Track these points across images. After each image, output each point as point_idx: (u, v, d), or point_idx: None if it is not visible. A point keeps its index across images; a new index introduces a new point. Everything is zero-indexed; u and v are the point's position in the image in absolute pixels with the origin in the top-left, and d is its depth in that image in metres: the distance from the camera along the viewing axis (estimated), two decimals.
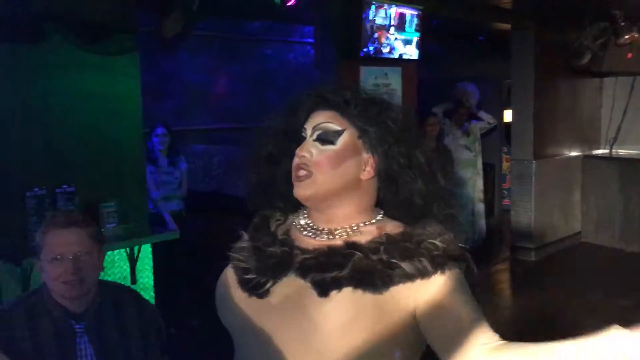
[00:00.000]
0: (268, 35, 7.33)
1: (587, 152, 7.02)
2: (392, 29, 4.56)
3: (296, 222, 1.28)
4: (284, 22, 7.07)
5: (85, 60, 3.33)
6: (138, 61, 3.58)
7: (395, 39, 4.61)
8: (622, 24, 6.02)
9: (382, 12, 4.46)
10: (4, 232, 3.07)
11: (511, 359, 1.00)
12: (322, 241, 1.21)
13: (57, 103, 3.26)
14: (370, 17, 4.40)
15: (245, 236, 1.29)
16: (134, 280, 3.56)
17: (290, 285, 1.17)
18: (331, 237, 1.22)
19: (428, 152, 1.26)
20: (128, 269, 3.54)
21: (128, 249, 3.50)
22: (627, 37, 6.09)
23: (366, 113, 1.23)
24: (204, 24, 5.73)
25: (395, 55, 4.68)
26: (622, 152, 7.10)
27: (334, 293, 1.12)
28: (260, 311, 1.19)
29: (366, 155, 1.23)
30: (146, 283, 3.65)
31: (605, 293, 5.11)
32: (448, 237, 1.16)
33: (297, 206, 1.30)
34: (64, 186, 3.22)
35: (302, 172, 1.20)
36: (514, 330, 4.04)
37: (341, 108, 1.24)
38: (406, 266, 1.12)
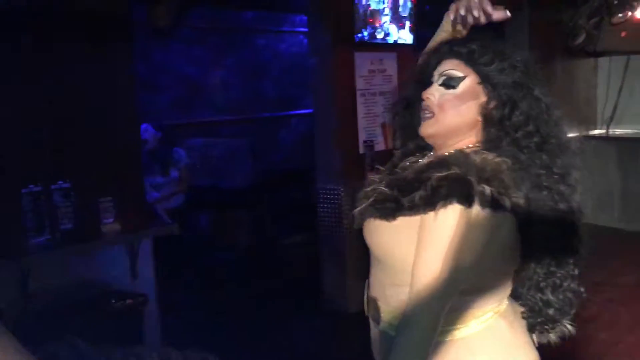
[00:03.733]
0: (261, 26, 7.27)
1: (584, 133, 6.99)
2: (386, 13, 4.52)
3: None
4: (275, 12, 7.00)
5: (78, 51, 3.27)
6: (131, 52, 3.53)
7: (391, 22, 4.57)
8: (616, 2, 5.99)
9: None
10: (1, 230, 3.03)
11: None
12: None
13: (50, 96, 3.21)
14: (364, 2, 4.35)
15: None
16: (134, 275, 3.52)
17: None
18: None
19: (547, 97, 1.39)
20: (128, 265, 3.51)
21: (128, 245, 3.46)
22: (620, 15, 6.05)
23: (487, 61, 1.38)
24: (197, 15, 5.68)
25: (390, 40, 4.63)
26: (619, 131, 7.07)
27: (363, 224, 1.40)
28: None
29: (484, 99, 1.38)
30: (148, 278, 3.61)
31: (609, 272, 5.10)
32: (461, 177, 1.24)
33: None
34: (60, 182, 3.18)
35: (427, 113, 1.40)
36: None
37: (465, 57, 1.40)
38: (405, 201, 1.29)
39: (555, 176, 1.33)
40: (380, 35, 4.53)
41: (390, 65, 4.82)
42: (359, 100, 4.61)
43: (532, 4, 6.09)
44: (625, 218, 6.59)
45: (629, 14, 6.06)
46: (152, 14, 3.11)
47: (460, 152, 1.33)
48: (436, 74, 1.42)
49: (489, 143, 1.36)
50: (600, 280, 4.79)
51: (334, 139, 4.53)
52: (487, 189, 1.23)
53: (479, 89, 1.38)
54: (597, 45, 6.34)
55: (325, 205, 4.59)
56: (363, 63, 4.60)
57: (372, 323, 1.50)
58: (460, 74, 1.39)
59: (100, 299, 3.21)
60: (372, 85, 4.66)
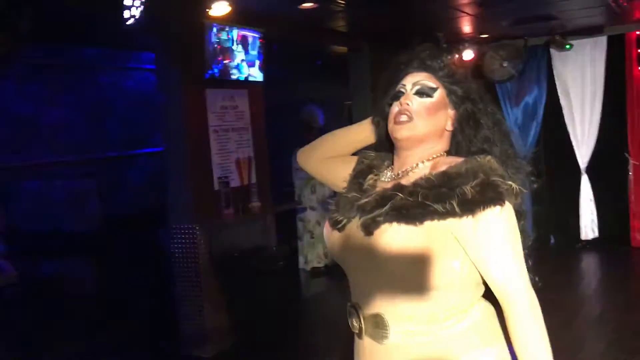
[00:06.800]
0: (104, 63, 6.99)
1: None
2: (235, 51, 4.57)
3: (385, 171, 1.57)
4: (121, 49, 6.78)
5: None
6: None
7: (241, 60, 4.62)
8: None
9: (224, 34, 4.45)
10: None
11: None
12: (385, 184, 1.49)
13: None
14: (213, 39, 4.36)
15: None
16: None
17: (355, 223, 1.45)
18: (397, 178, 1.49)
19: (496, 110, 1.55)
20: None
21: None
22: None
23: (454, 77, 1.54)
24: (34, 51, 5.33)
25: (242, 77, 4.68)
26: None
27: (377, 230, 1.38)
28: (340, 244, 1.49)
29: (451, 111, 1.53)
30: None
31: None
32: (488, 181, 1.35)
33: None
34: None
35: (404, 117, 1.48)
36: None
37: (436, 71, 1.53)
38: (438, 207, 1.34)
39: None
40: (232, 73, 4.56)
41: (242, 101, 4.86)
42: (212, 136, 4.58)
43: (372, 47, 6.49)
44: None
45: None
46: None
47: (469, 160, 1.41)
48: (407, 83, 1.52)
49: (460, 151, 1.52)
50: None
51: (187, 176, 4.44)
52: (513, 185, 1.38)
53: (447, 101, 1.52)
54: None
55: (179, 245, 4.45)
56: (215, 100, 4.60)
57: (368, 345, 1.46)
58: (433, 85, 1.51)
59: None
60: (225, 122, 4.67)
